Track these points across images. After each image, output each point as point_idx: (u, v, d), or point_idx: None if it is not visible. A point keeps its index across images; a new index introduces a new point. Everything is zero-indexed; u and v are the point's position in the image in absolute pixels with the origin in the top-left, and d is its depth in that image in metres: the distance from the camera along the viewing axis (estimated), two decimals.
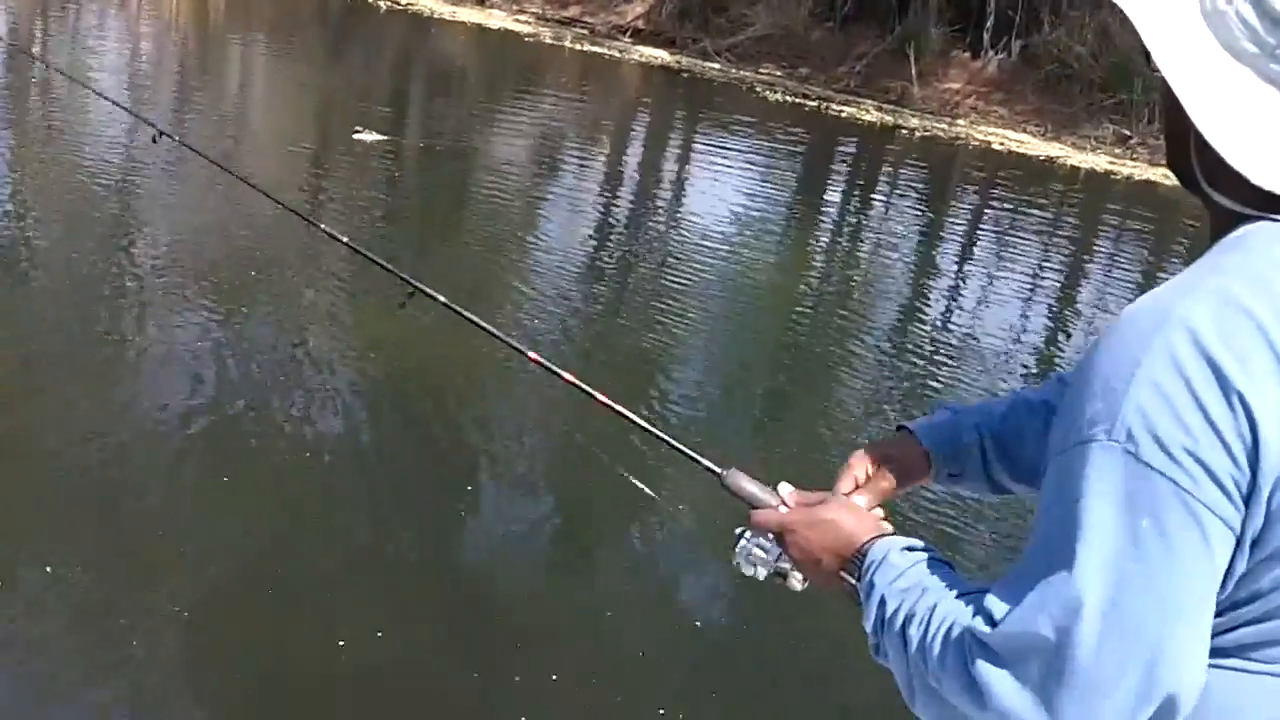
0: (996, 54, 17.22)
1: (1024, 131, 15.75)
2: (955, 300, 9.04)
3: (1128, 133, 15.35)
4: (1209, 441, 1.07)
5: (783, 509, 1.54)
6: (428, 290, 2.46)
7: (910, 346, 7.57)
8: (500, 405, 5.86)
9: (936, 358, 7.33)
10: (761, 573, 1.56)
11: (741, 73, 17.64)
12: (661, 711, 3.75)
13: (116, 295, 6.44)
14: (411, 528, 4.66)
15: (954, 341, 7.72)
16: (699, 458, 1.71)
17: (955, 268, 9.99)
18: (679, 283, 8.00)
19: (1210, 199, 1.24)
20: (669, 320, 7.26)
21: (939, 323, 8.31)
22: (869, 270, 9.53)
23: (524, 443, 5.59)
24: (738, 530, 1.58)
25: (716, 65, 18.00)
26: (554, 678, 3.84)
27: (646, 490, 4.94)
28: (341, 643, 3.82)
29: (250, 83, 14.29)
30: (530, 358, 2.13)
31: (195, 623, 3.85)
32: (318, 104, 13.27)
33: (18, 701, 3.43)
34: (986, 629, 1.15)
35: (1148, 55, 1.22)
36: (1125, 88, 15.66)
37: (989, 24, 17.33)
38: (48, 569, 3.97)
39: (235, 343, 6.01)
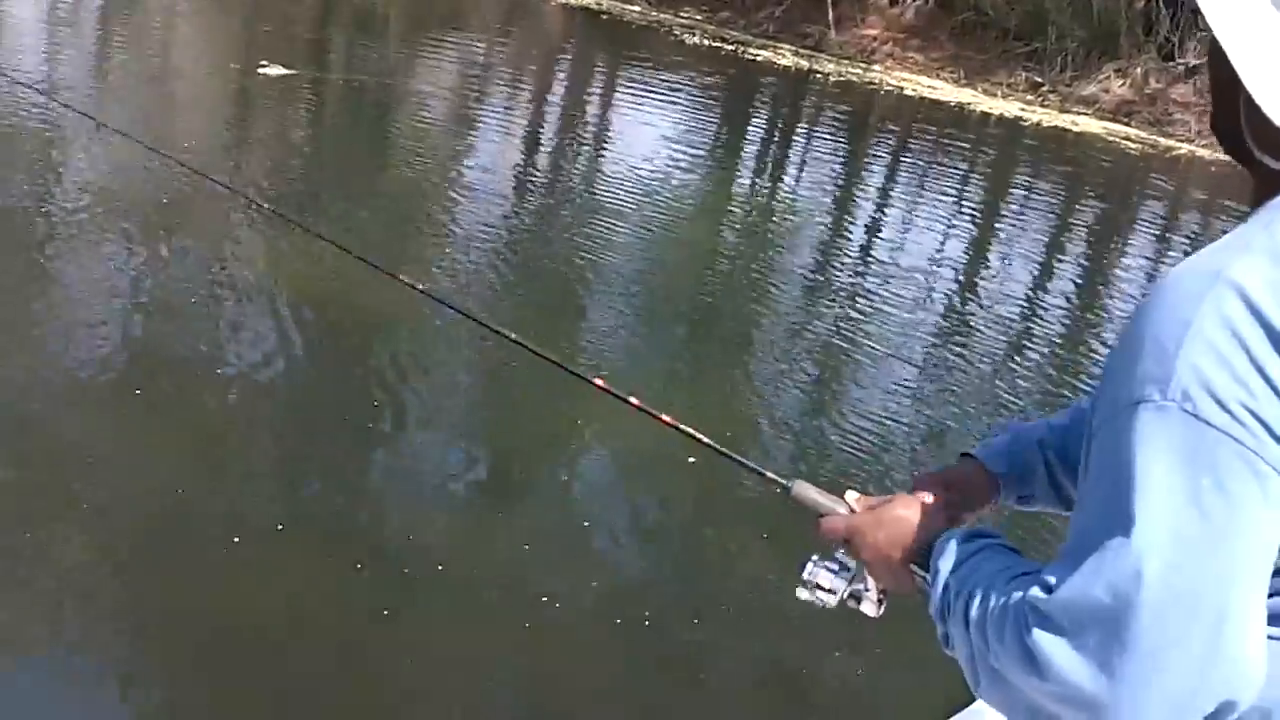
0: (913, 1, 17.31)
1: (938, 77, 15.89)
2: (873, 241, 9.15)
3: (1040, 80, 15.52)
4: (1268, 398, 1.05)
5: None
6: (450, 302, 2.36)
7: (829, 286, 7.69)
8: (422, 346, 5.92)
9: (856, 298, 7.44)
10: (832, 599, 1.51)
11: (661, 15, 17.59)
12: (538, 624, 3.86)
13: (30, 231, 6.40)
14: (325, 466, 4.71)
15: (873, 282, 7.82)
16: (764, 471, 1.67)
17: (873, 209, 10.13)
18: (599, 223, 8.06)
19: (1257, 162, 1.23)
20: (591, 258, 7.34)
21: (858, 264, 8.42)
22: (787, 212, 9.65)
23: (443, 382, 5.63)
24: (805, 560, 1.52)
25: (637, 8, 17.92)
26: (455, 613, 3.94)
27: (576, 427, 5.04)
28: (242, 571, 3.90)
29: (161, 18, 14.00)
30: (591, 382, 1.98)
31: (98, 547, 3.94)
32: (225, 38, 13.08)
33: None
34: (1043, 596, 1.12)
35: (1196, 12, 1.24)
36: (1039, 36, 15.82)
37: None
38: None
39: (153, 279, 6.01)
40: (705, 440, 1.76)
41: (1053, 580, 1.12)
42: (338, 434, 4.91)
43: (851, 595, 1.51)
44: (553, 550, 4.34)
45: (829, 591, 1.50)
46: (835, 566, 1.51)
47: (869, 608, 1.51)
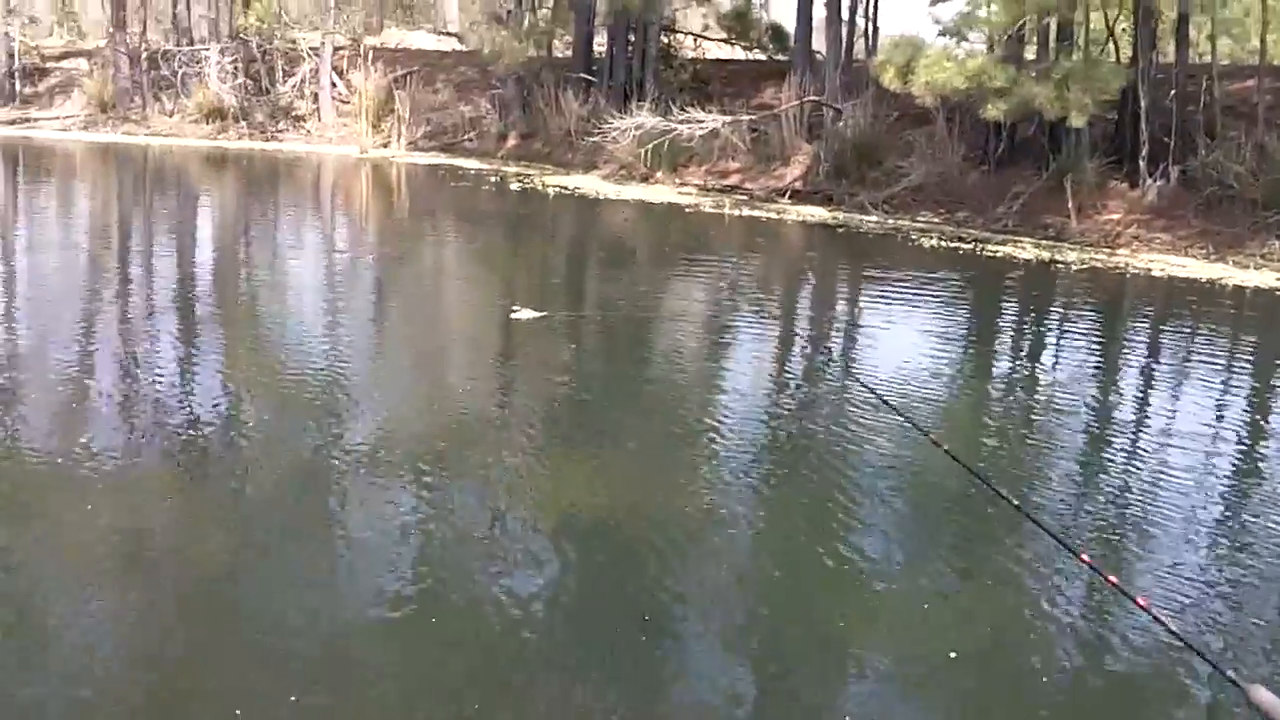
0: (1155, 181, 17.26)
1: (1186, 255, 15.68)
2: (1147, 418, 9.06)
3: None
4: None
5: None
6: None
7: (1102, 483, 7.57)
8: (701, 559, 6.09)
9: (1130, 493, 7.26)
10: None
11: (898, 221, 18.08)
12: None
13: (324, 472, 7.07)
14: (603, 678, 4.92)
15: (1148, 475, 7.61)
16: (1224, 670, 1.79)
17: (1140, 387, 10.07)
18: (864, 419, 8.30)
19: None
20: (856, 455, 7.54)
21: (1131, 457, 8.23)
22: (1053, 395, 9.61)
23: (713, 592, 5.78)
24: None
25: (873, 218, 18.49)
26: None
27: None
28: None
29: (423, 271, 15.33)
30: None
31: None
32: (478, 287, 14.18)
33: None
34: None
35: None
36: None
37: (1144, 152, 17.42)
38: None
39: (439, 513, 6.49)
40: (1173, 628, 2.10)
41: None
42: (614, 647, 5.15)
43: None
44: None
45: None
46: None
47: None
